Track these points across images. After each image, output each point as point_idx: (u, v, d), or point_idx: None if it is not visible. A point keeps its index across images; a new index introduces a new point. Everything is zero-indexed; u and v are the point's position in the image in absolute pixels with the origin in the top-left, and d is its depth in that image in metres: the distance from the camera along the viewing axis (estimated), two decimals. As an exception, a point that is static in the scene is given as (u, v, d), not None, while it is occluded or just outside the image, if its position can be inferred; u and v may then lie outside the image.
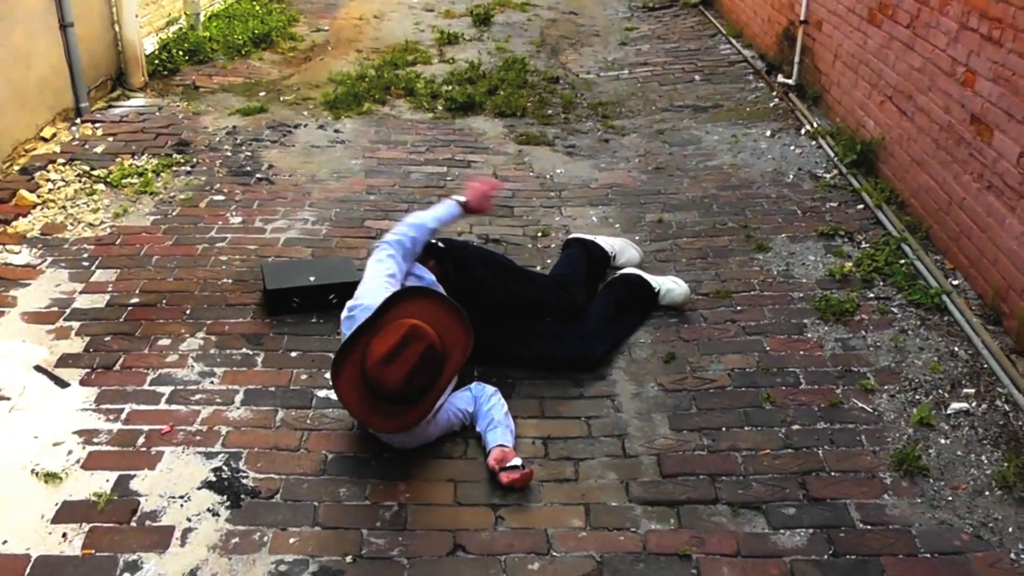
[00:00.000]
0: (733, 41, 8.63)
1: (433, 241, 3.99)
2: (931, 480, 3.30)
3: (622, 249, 4.70)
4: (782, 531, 3.09)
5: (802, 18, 6.88)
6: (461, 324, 3.45)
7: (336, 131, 6.54)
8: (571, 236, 4.83)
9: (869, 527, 3.10)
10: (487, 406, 3.56)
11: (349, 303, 3.60)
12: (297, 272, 4.36)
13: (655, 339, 4.15)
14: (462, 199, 4.01)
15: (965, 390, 3.76)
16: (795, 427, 3.57)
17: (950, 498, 3.22)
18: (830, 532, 3.07)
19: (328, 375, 3.60)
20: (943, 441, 3.49)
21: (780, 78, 7.24)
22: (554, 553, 3.00)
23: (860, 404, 3.69)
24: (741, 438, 3.52)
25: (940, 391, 3.75)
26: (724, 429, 3.57)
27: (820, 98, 6.64)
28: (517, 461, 3.32)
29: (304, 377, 3.82)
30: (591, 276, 4.49)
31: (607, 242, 4.69)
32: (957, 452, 3.43)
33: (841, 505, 3.19)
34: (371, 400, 3.27)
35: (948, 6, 4.69)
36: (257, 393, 3.73)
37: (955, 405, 3.66)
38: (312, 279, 4.28)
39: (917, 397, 3.72)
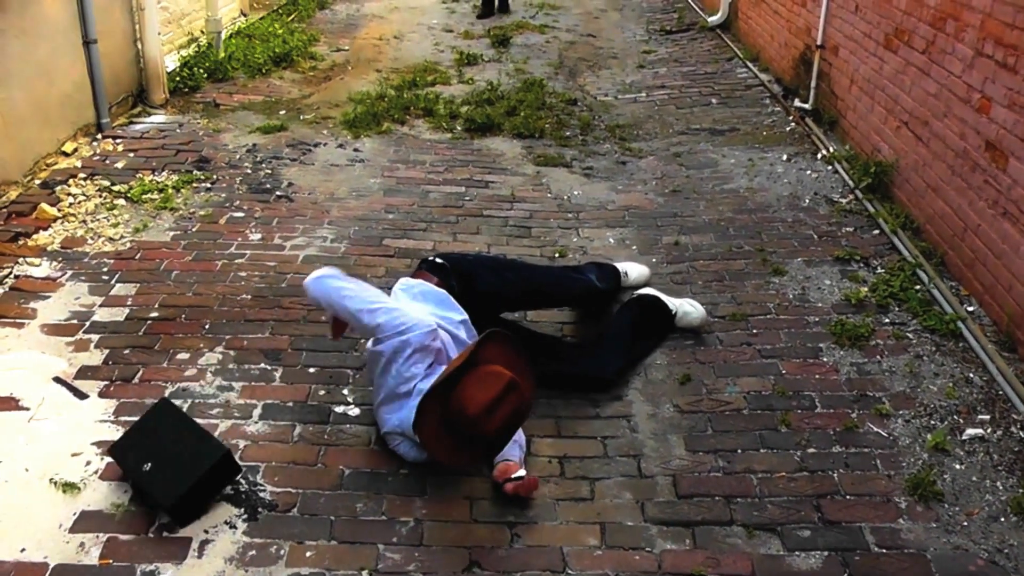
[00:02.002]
0: (750, 65, 8.67)
1: (431, 258, 3.98)
2: (946, 505, 3.30)
3: (631, 266, 4.73)
4: (797, 553, 3.09)
5: (819, 43, 6.92)
6: (530, 372, 3.35)
7: (355, 150, 6.59)
8: None
9: (884, 551, 3.10)
10: None
11: (393, 324, 3.42)
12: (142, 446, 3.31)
13: (671, 360, 4.16)
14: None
15: (980, 416, 3.75)
16: (810, 450, 3.58)
17: (965, 523, 3.22)
18: (845, 555, 3.08)
19: (345, 391, 3.75)
20: (958, 466, 3.49)
21: (796, 102, 7.27)
22: (569, 571, 3.02)
23: (875, 428, 3.69)
24: (756, 460, 3.53)
25: (955, 417, 3.75)
26: (739, 451, 3.58)
27: (836, 123, 6.67)
28: (521, 472, 3.32)
29: (322, 393, 3.84)
30: (602, 268, 4.56)
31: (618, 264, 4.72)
32: (972, 478, 3.43)
33: (856, 528, 3.19)
34: (458, 439, 3.23)
35: (963, 32, 4.72)
36: (275, 408, 3.75)
37: (970, 431, 3.66)
38: (147, 466, 3.22)
39: (932, 422, 3.72)
